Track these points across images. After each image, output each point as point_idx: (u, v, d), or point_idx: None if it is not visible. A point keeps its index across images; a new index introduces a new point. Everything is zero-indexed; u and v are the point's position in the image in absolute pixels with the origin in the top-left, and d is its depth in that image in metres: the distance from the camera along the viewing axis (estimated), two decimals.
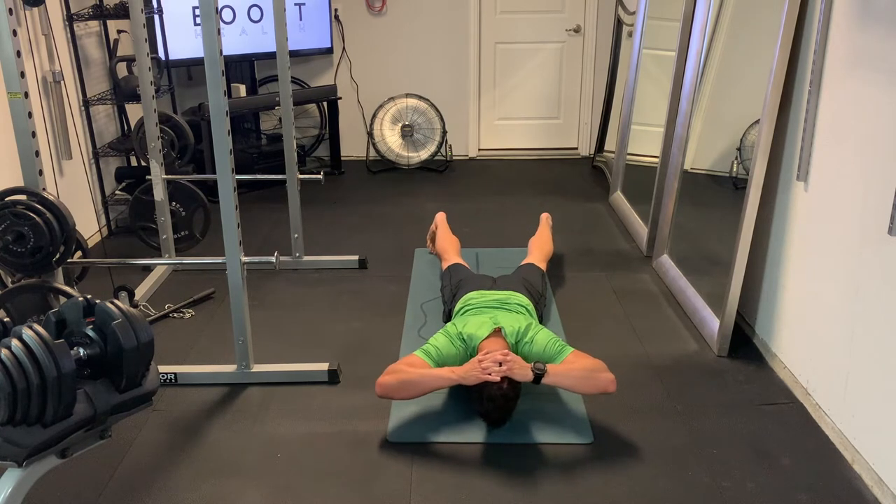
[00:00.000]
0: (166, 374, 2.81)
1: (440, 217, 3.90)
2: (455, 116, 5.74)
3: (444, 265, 3.48)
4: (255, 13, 5.09)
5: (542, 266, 3.41)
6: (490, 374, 2.41)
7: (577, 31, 5.66)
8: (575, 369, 2.50)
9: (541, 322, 3.13)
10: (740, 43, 3.33)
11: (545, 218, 3.88)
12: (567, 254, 4.01)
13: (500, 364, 2.42)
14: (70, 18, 4.01)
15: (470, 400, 2.55)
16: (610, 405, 2.66)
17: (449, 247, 3.62)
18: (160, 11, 4.65)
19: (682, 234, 3.63)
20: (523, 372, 2.43)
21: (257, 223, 4.49)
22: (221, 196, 2.62)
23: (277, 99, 3.83)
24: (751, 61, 3.19)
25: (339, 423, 2.60)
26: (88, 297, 1.76)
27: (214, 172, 2.63)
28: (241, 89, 5.13)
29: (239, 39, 5.06)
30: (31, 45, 3.64)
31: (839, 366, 2.44)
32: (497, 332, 2.68)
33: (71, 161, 4.01)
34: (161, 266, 3.75)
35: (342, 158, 5.60)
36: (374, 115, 5.54)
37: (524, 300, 2.98)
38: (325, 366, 2.86)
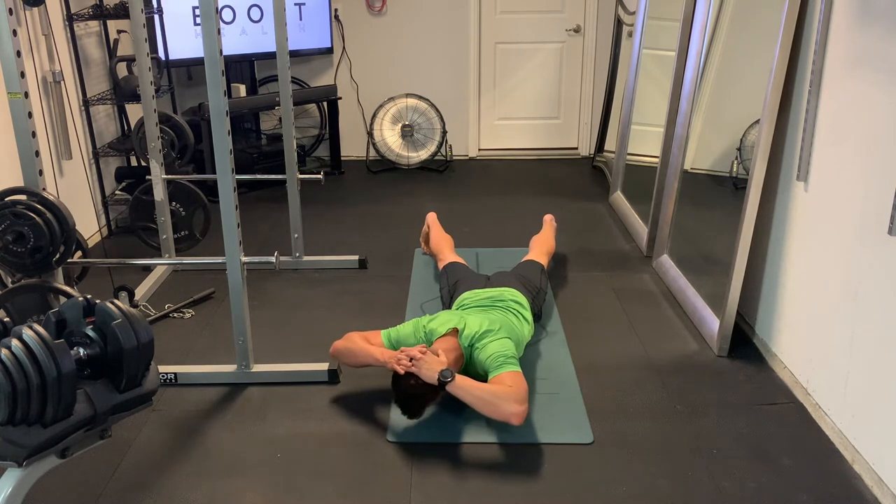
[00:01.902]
0: (166, 374, 2.81)
1: (431, 217, 3.90)
2: (455, 116, 5.74)
3: (441, 265, 3.49)
4: (255, 13, 5.09)
5: (542, 261, 3.41)
6: (399, 366, 2.47)
7: (577, 31, 5.66)
8: (483, 390, 2.43)
9: (538, 319, 3.13)
10: (740, 43, 3.33)
11: (549, 219, 3.87)
12: (567, 254, 4.01)
13: (411, 360, 2.46)
14: (70, 18, 4.01)
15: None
16: (610, 405, 2.66)
17: (444, 245, 3.63)
18: (160, 11, 4.65)
19: (682, 234, 3.63)
20: (430, 374, 2.43)
21: (257, 223, 4.49)
22: (221, 196, 2.62)
23: (277, 99, 3.83)
24: (751, 61, 3.19)
25: (339, 423, 2.60)
26: (88, 297, 1.76)
27: (214, 172, 2.63)
28: (241, 89, 5.13)
29: (239, 39, 5.07)
30: (31, 45, 3.64)
31: (839, 366, 2.44)
32: (454, 332, 2.68)
33: (71, 161, 4.01)
34: (161, 266, 3.75)
35: (342, 158, 5.60)
36: (374, 115, 5.54)
37: (518, 295, 2.98)
38: (325, 366, 2.86)
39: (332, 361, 2.88)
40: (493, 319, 2.75)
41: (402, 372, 2.46)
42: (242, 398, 2.75)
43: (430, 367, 2.44)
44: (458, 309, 2.95)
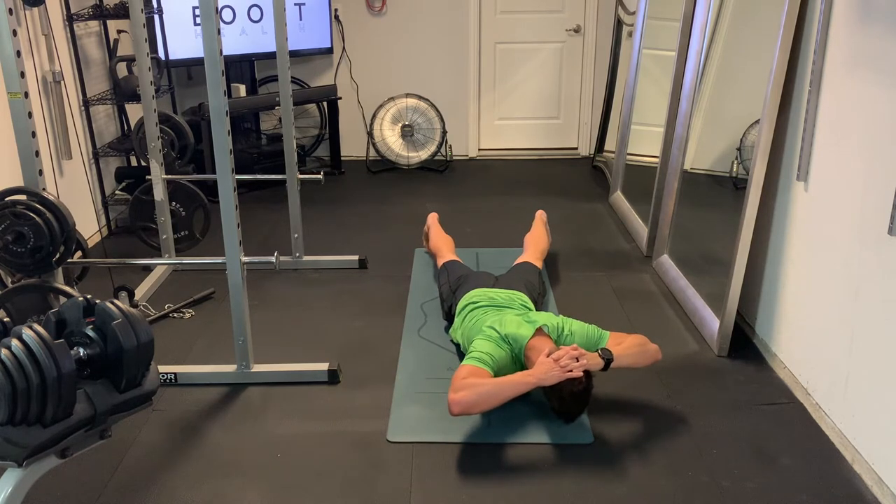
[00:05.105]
0: (166, 374, 2.81)
1: (432, 218, 3.91)
2: (455, 116, 5.73)
3: (440, 262, 3.49)
4: (255, 13, 5.09)
5: (539, 264, 3.42)
6: (572, 371, 2.41)
7: (577, 31, 5.66)
8: (630, 347, 2.59)
9: None
10: (740, 43, 3.33)
11: (539, 214, 3.88)
12: (567, 254, 4.01)
13: (577, 359, 2.43)
14: (70, 18, 4.01)
15: (548, 399, 2.51)
16: (610, 405, 2.66)
17: (443, 245, 3.63)
18: (160, 11, 4.65)
19: (682, 234, 3.63)
20: (595, 362, 2.48)
21: (257, 223, 4.49)
22: (221, 196, 2.62)
23: (277, 99, 3.83)
24: (751, 61, 3.19)
25: (339, 423, 2.60)
26: (88, 297, 1.76)
27: (214, 172, 2.63)
28: (241, 89, 5.13)
29: (239, 39, 5.06)
30: (31, 45, 3.64)
31: (839, 366, 2.44)
32: (540, 331, 2.68)
33: (71, 161, 4.01)
34: (161, 266, 3.75)
35: (342, 158, 5.60)
36: (374, 115, 5.54)
37: (526, 300, 2.99)
38: (325, 366, 2.86)
39: (333, 361, 2.88)
40: (549, 314, 2.82)
41: (581, 374, 2.41)
42: (242, 398, 2.75)
43: (592, 356, 2.48)
44: (469, 305, 2.95)
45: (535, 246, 3.56)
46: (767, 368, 2.91)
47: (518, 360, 2.64)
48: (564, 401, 2.45)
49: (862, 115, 2.32)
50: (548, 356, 2.45)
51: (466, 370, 2.50)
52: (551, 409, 2.52)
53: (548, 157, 5.93)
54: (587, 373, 2.45)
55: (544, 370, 2.42)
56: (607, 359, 2.48)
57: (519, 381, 2.44)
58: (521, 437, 2.49)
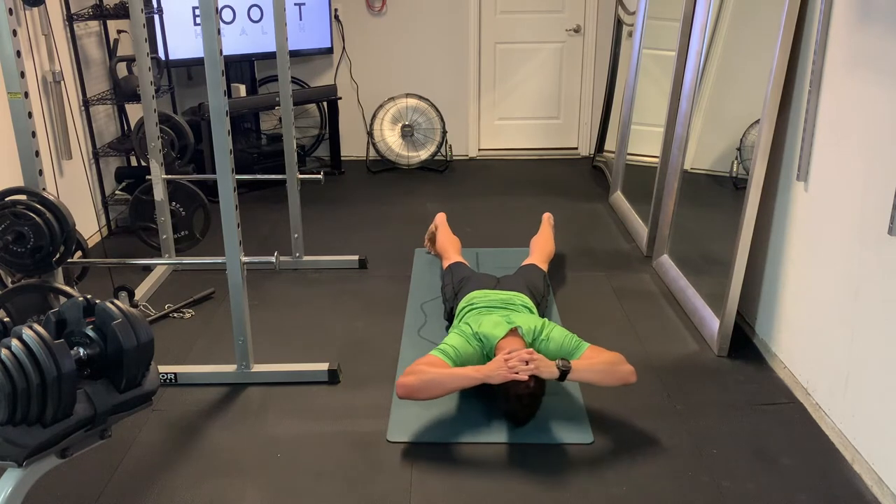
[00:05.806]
0: (166, 374, 2.81)
1: (440, 217, 3.90)
2: (455, 116, 5.73)
3: (445, 264, 3.49)
4: (255, 13, 5.09)
5: (544, 267, 3.42)
6: (518, 374, 2.40)
7: (577, 31, 5.66)
8: (597, 363, 2.51)
9: None
10: (740, 43, 3.33)
11: (547, 217, 3.88)
12: (567, 254, 4.01)
13: (527, 363, 2.41)
14: (70, 18, 4.01)
15: (495, 399, 2.53)
16: (610, 405, 2.66)
17: (450, 246, 3.62)
18: (160, 11, 4.65)
19: (682, 234, 3.63)
20: (549, 370, 2.43)
21: (257, 223, 4.49)
22: (221, 196, 2.62)
23: (277, 99, 3.83)
24: (751, 61, 3.19)
25: (339, 423, 2.60)
26: (88, 297, 1.76)
27: (214, 172, 2.63)
28: (241, 89, 5.13)
29: (239, 39, 5.07)
30: (31, 45, 3.64)
31: (839, 366, 2.44)
32: (514, 331, 2.67)
33: (71, 161, 4.01)
34: (161, 266, 3.75)
35: (342, 158, 5.60)
36: (374, 115, 5.54)
37: (528, 301, 2.99)
38: (325, 366, 2.86)
39: (333, 361, 2.88)
40: (533, 316, 2.79)
41: (526, 378, 2.40)
42: (242, 398, 2.75)
43: (547, 363, 2.44)
44: (467, 307, 2.95)
45: (541, 249, 3.56)
46: (767, 368, 2.91)
47: (489, 359, 2.63)
48: (509, 401, 2.46)
49: (862, 115, 2.32)
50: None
51: (426, 359, 2.54)
52: (500, 409, 2.54)
53: (548, 157, 5.92)
54: (538, 379, 2.44)
55: (492, 368, 2.44)
56: (563, 370, 2.43)
57: (466, 375, 2.46)
58: (522, 437, 2.49)
